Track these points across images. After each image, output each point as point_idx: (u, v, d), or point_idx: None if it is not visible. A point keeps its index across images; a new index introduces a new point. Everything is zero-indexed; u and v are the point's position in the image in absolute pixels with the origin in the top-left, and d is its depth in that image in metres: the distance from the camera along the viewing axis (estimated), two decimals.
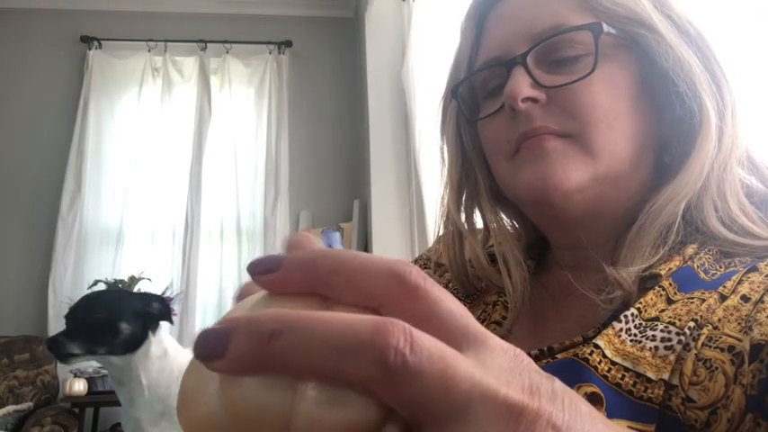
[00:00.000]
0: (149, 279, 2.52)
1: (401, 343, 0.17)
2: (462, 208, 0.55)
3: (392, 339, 0.17)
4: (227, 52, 3.23)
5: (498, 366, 0.19)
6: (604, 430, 0.20)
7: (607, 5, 0.45)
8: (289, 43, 3.28)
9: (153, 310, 1.52)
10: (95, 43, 3.17)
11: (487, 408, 0.18)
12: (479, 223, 0.55)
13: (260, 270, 0.21)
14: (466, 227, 0.54)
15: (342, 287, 0.20)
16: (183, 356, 1.53)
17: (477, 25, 0.52)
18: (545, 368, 0.27)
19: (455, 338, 0.20)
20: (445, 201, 0.55)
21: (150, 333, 1.49)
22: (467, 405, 0.18)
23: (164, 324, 1.56)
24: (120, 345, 1.46)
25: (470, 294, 0.55)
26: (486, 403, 0.18)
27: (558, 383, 0.20)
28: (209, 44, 3.20)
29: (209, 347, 0.19)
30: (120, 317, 1.47)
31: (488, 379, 0.18)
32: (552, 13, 0.46)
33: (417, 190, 2.27)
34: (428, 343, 0.18)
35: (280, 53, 3.27)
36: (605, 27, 0.44)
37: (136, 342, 1.48)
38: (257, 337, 0.18)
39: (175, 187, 3.04)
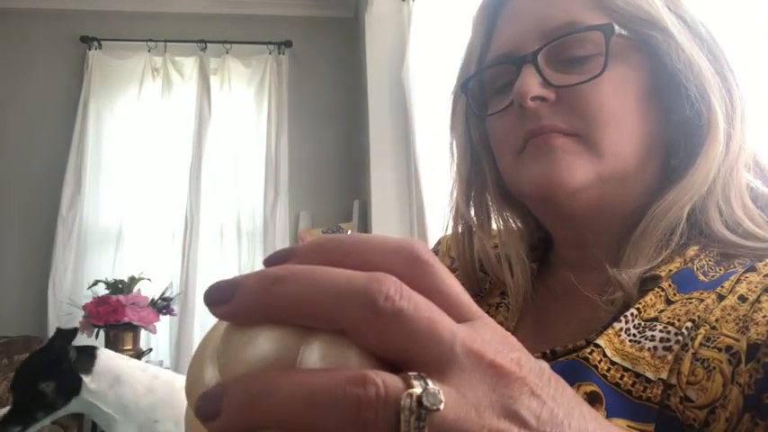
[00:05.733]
0: (149, 279, 2.52)
1: (392, 290, 0.19)
2: (471, 203, 0.55)
3: (383, 287, 0.19)
4: (227, 52, 3.23)
5: (489, 338, 0.21)
6: (588, 412, 0.21)
7: (620, 5, 0.45)
8: (289, 43, 3.28)
9: (68, 358, 1.48)
10: (95, 43, 3.16)
11: (473, 365, 0.19)
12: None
13: (274, 261, 0.22)
14: (475, 221, 0.54)
15: (354, 269, 0.20)
16: (141, 372, 1.52)
17: (489, 20, 0.52)
18: None
19: (454, 311, 0.21)
20: (454, 196, 0.56)
21: (82, 375, 1.46)
22: (452, 356, 0.19)
23: (106, 354, 1.54)
24: (56, 400, 1.45)
25: (476, 294, 0.56)
26: (471, 360, 0.19)
27: (545, 365, 0.21)
28: (209, 44, 3.19)
29: (218, 294, 0.20)
30: (36, 380, 1.44)
31: (475, 343, 0.20)
32: (565, 10, 0.46)
33: (417, 190, 2.27)
34: (417, 296, 0.19)
35: (280, 53, 3.26)
36: (617, 28, 0.44)
37: (74, 387, 1.46)
38: (262, 281, 0.20)
39: (175, 187, 3.04)
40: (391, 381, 0.18)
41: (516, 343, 0.21)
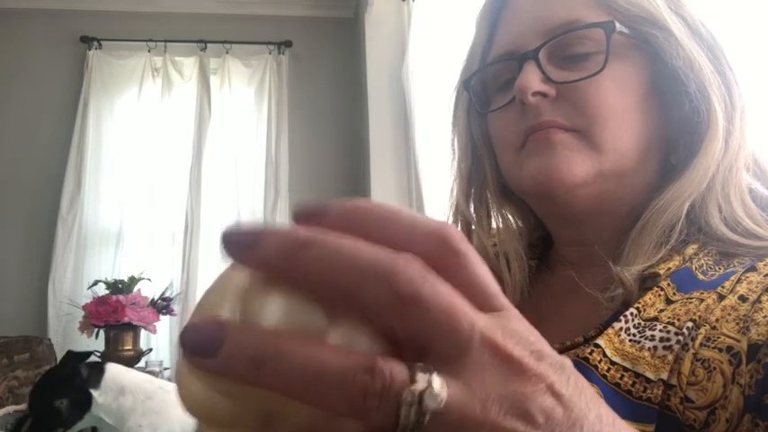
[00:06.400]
0: (149, 279, 2.52)
1: (415, 275, 0.18)
2: (471, 200, 0.55)
3: (407, 272, 0.18)
4: (227, 52, 3.23)
5: (513, 329, 0.20)
6: (606, 414, 0.20)
7: (621, 3, 0.45)
8: (289, 43, 3.28)
9: (80, 375, 1.53)
10: (95, 43, 3.16)
11: (489, 357, 0.19)
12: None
13: (305, 217, 0.21)
14: (474, 218, 0.54)
15: (383, 242, 0.20)
16: (147, 384, 1.58)
17: (492, 18, 0.52)
18: None
19: (479, 301, 0.20)
20: (454, 192, 0.56)
21: (92, 390, 1.52)
22: (468, 347, 0.19)
23: (115, 368, 1.59)
24: (72, 416, 1.50)
25: None
26: (487, 352, 0.19)
27: (568, 363, 0.21)
28: (209, 44, 3.19)
29: (244, 237, 0.19)
30: (51, 399, 1.49)
31: (494, 335, 0.19)
32: (566, 9, 0.46)
33: (417, 190, 2.27)
34: (440, 283, 0.19)
35: (280, 53, 3.26)
36: (618, 26, 0.44)
37: (86, 403, 1.52)
38: (290, 242, 0.19)
39: (175, 187, 3.03)
40: (398, 372, 0.18)
41: (540, 338, 0.21)
